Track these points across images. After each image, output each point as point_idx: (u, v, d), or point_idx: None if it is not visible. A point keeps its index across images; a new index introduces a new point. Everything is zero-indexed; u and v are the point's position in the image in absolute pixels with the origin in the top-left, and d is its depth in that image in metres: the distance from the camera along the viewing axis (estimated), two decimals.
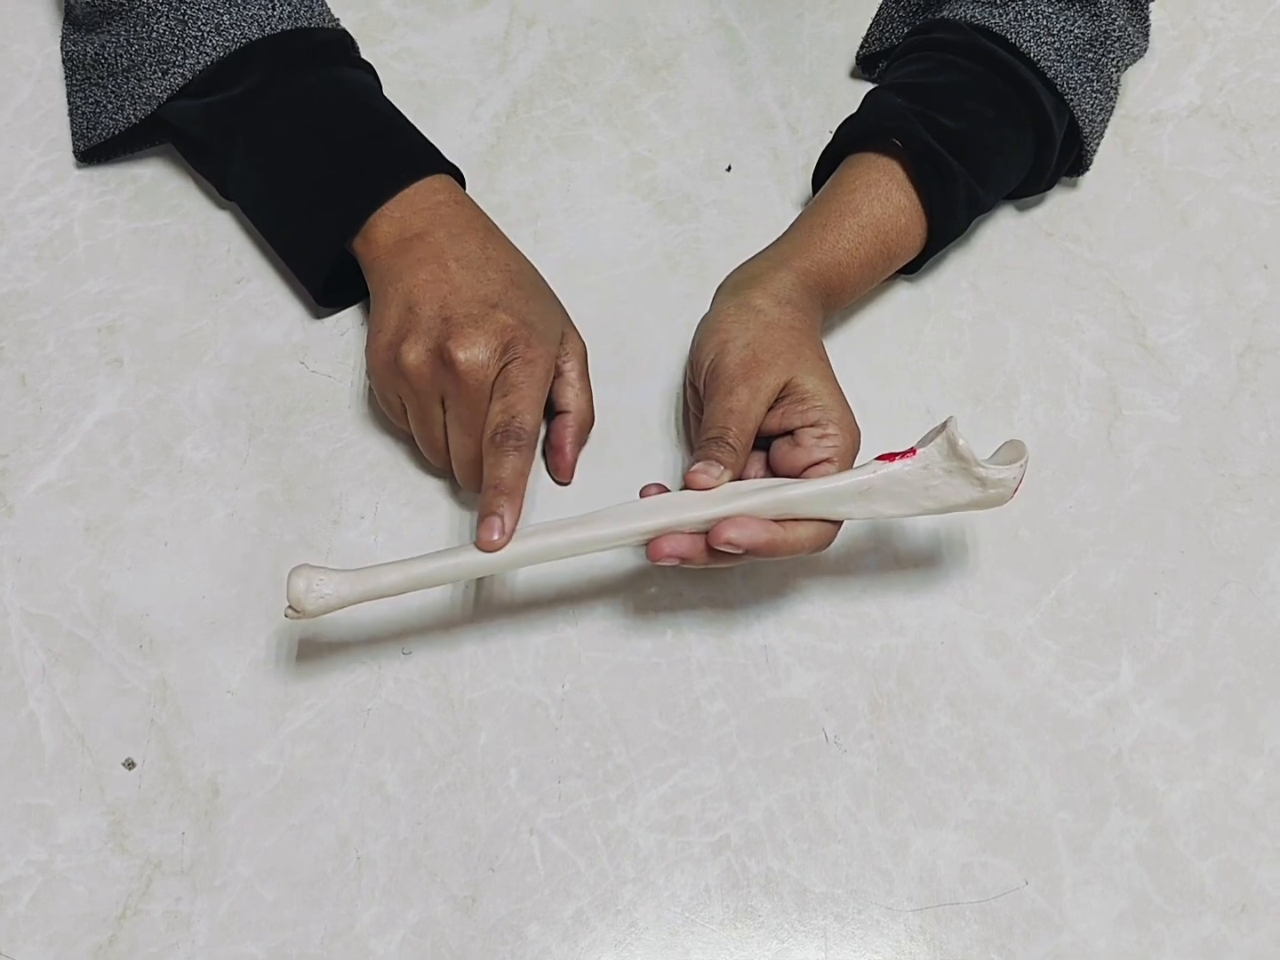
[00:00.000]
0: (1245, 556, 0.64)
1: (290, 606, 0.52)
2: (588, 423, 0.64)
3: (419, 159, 0.64)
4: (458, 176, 0.66)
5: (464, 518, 0.63)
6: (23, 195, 0.70)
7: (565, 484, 0.64)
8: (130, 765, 0.57)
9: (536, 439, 0.58)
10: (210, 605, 0.60)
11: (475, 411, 0.58)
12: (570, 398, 0.63)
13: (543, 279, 0.64)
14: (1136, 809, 0.58)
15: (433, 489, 0.64)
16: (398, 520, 0.63)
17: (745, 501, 0.54)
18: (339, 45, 0.67)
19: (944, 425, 0.53)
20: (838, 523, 0.56)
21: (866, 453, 0.58)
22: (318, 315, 0.68)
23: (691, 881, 0.56)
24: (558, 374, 0.62)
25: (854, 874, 0.56)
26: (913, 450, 0.54)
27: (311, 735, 0.58)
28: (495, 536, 0.53)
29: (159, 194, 0.71)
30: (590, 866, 0.56)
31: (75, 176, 0.71)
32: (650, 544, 0.54)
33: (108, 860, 0.55)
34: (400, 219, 0.62)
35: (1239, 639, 0.62)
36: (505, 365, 0.57)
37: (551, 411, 0.63)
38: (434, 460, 0.63)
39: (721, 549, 0.53)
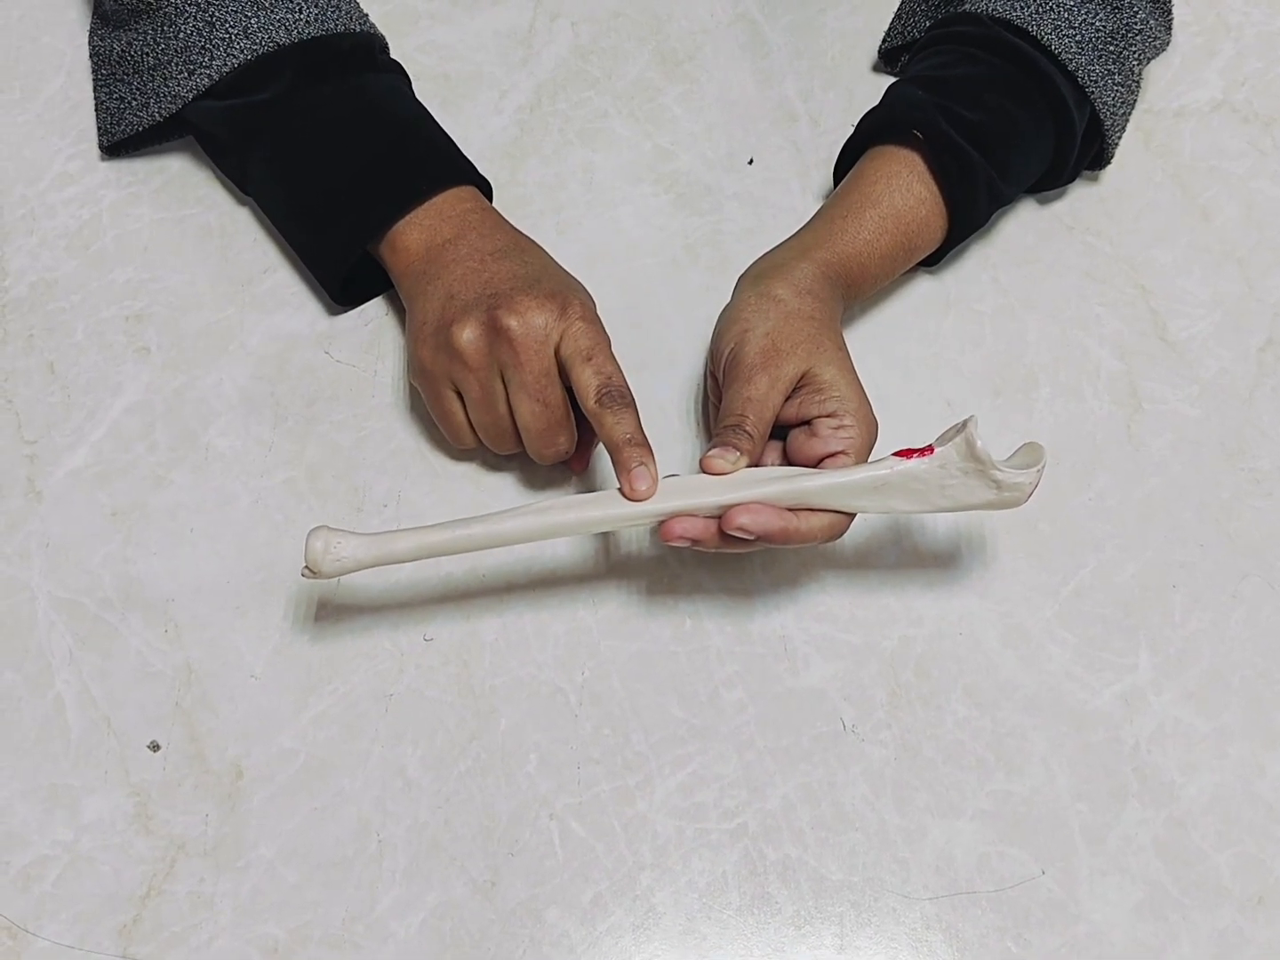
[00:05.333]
0: (1264, 550, 0.64)
1: (306, 567, 0.53)
2: None
3: (438, 170, 0.64)
4: (484, 188, 0.66)
5: (485, 505, 0.63)
6: (52, 185, 0.71)
7: (579, 472, 0.64)
8: (155, 748, 0.58)
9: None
10: (235, 590, 0.61)
11: (539, 375, 0.57)
12: None
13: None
14: (1154, 800, 0.58)
15: (455, 476, 0.64)
16: (420, 508, 0.63)
17: (760, 489, 0.54)
18: (366, 49, 0.67)
19: (963, 425, 0.53)
20: (852, 514, 0.56)
21: (884, 444, 0.58)
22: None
23: (709, 868, 0.56)
24: None
25: (871, 862, 0.56)
26: (930, 448, 0.54)
27: (334, 720, 0.58)
28: (645, 486, 0.54)
29: (186, 185, 0.71)
30: (609, 852, 0.56)
31: (104, 167, 0.72)
32: (662, 525, 0.54)
33: (132, 841, 0.56)
34: (430, 227, 0.62)
35: (1257, 632, 0.62)
36: (567, 329, 0.57)
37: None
38: (500, 446, 0.62)
39: (733, 534, 0.53)
